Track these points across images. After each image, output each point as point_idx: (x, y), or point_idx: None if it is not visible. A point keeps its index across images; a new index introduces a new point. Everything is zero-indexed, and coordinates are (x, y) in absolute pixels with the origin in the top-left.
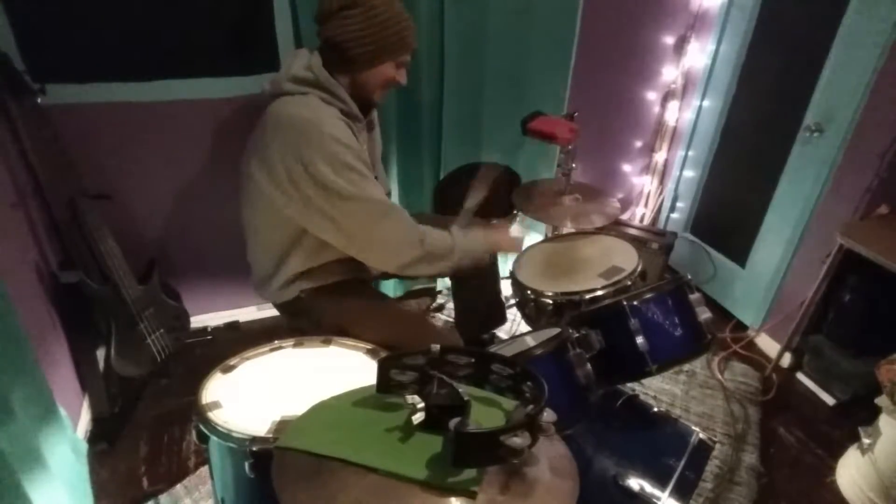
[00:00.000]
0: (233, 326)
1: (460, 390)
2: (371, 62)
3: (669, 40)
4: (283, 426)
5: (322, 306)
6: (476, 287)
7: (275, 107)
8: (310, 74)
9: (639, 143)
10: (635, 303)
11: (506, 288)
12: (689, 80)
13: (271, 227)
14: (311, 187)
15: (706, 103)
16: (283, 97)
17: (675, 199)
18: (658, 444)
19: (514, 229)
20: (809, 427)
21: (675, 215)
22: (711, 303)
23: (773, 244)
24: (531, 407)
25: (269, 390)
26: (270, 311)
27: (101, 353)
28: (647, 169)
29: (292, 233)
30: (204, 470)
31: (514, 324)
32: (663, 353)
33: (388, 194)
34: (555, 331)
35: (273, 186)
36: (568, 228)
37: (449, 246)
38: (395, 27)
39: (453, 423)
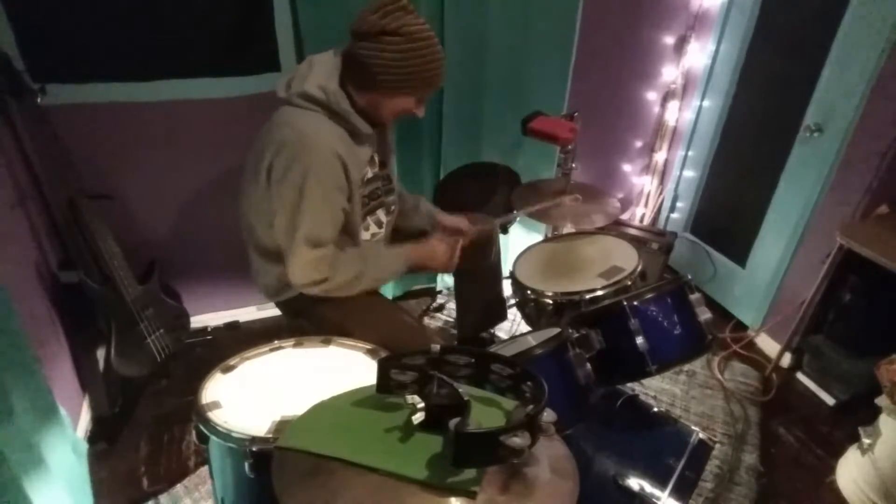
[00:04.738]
0: (233, 326)
1: (460, 390)
2: (395, 92)
3: (669, 40)
4: (283, 426)
5: (323, 306)
6: (477, 284)
7: (281, 115)
8: (322, 96)
9: (639, 143)
10: (635, 303)
11: (506, 288)
12: (689, 80)
13: (266, 227)
14: (275, 196)
15: (706, 103)
16: (291, 107)
17: (675, 199)
18: (658, 444)
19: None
20: (809, 427)
21: (675, 215)
22: (711, 303)
23: (773, 244)
24: (531, 407)
25: (269, 390)
26: (270, 311)
27: (101, 353)
28: (647, 169)
29: None
30: (204, 470)
31: (514, 324)
32: (663, 353)
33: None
34: (555, 331)
35: (256, 186)
36: (568, 228)
37: (350, 278)
38: (428, 66)
39: (453, 423)
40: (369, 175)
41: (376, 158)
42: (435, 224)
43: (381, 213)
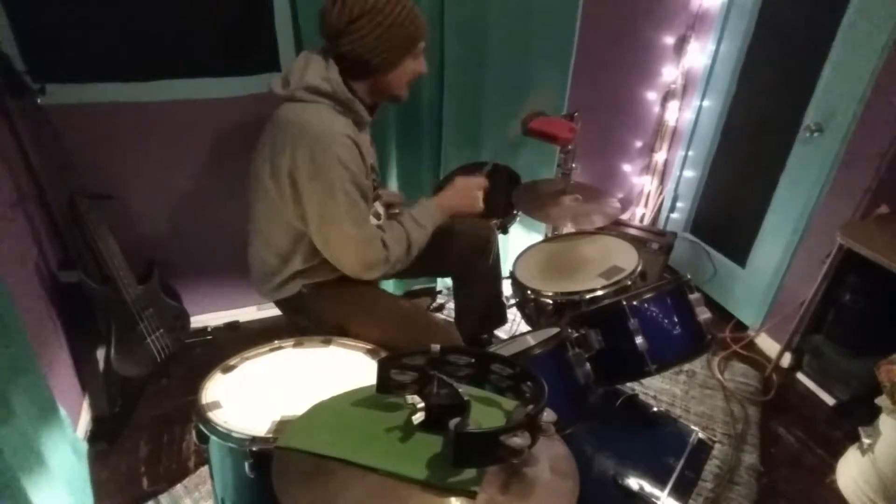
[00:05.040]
0: (233, 326)
1: (460, 390)
2: (393, 64)
3: (669, 40)
4: (283, 426)
5: (323, 302)
6: (476, 288)
7: (287, 112)
8: (327, 86)
9: (639, 143)
10: (635, 303)
11: (506, 288)
12: (689, 80)
13: (275, 227)
14: (307, 195)
15: (706, 103)
16: (295, 103)
17: (675, 199)
18: (658, 443)
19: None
20: (809, 427)
21: (675, 215)
22: (711, 303)
23: (773, 244)
24: (531, 407)
25: (269, 390)
26: (270, 311)
27: (101, 353)
28: (647, 169)
29: (295, 232)
30: (204, 470)
31: (514, 324)
32: (663, 353)
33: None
34: (554, 331)
35: (275, 187)
36: (568, 228)
37: (405, 249)
38: (405, 22)
39: (453, 423)
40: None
41: (372, 150)
42: None
43: (377, 206)
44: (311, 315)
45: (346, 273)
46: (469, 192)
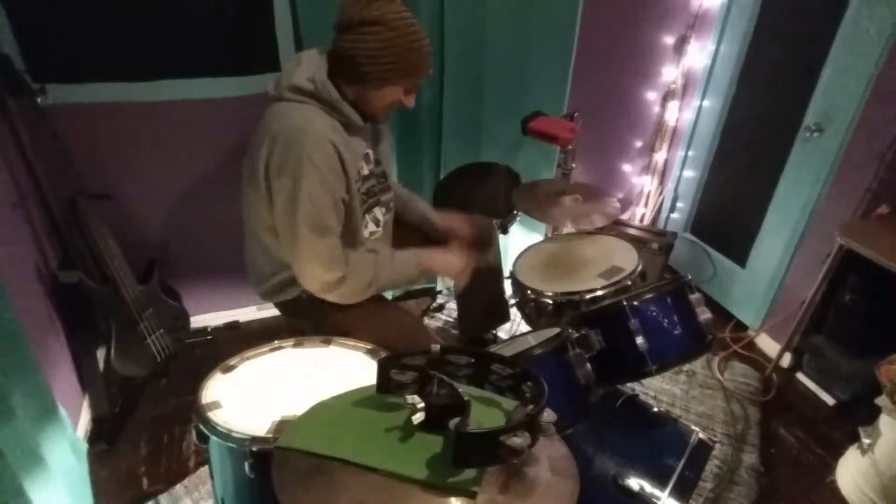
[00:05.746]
0: (233, 326)
1: (460, 390)
2: (381, 83)
3: (669, 40)
4: (283, 426)
5: (322, 310)
6: (478, 286)
7: (272, 111)
8: (311, 86)
9: (639, 143)
10: (635, 303)
11: (506, 288)
12: (689, 80)
13: (262, 229)
14: (275, 192)
15: (706, 103)
16: (282, 103)
17: (675, 199)
18: (658, 443)
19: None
20: (809, 427)
21: (675, 215)
22: (711, 303)
23: (773, 244)
24: (531, 407)
25: (269, 390)
26: (270, 311)
27: (101, 353)
28: (647, 169)
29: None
30: (204, 470)
31: (514, 324)
32: (663, 353)
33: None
34: (554, 331)
35: (253, 185)
36: (568, 228)
37: (366, 282)
38: (412, 53)
39: (453, 423)
40: (365, 171)
41: (372, 155)
42: (428, 224)
43: (378, 212)
44: (311, 321)
45: (307, 289)
46: (455, 268)
